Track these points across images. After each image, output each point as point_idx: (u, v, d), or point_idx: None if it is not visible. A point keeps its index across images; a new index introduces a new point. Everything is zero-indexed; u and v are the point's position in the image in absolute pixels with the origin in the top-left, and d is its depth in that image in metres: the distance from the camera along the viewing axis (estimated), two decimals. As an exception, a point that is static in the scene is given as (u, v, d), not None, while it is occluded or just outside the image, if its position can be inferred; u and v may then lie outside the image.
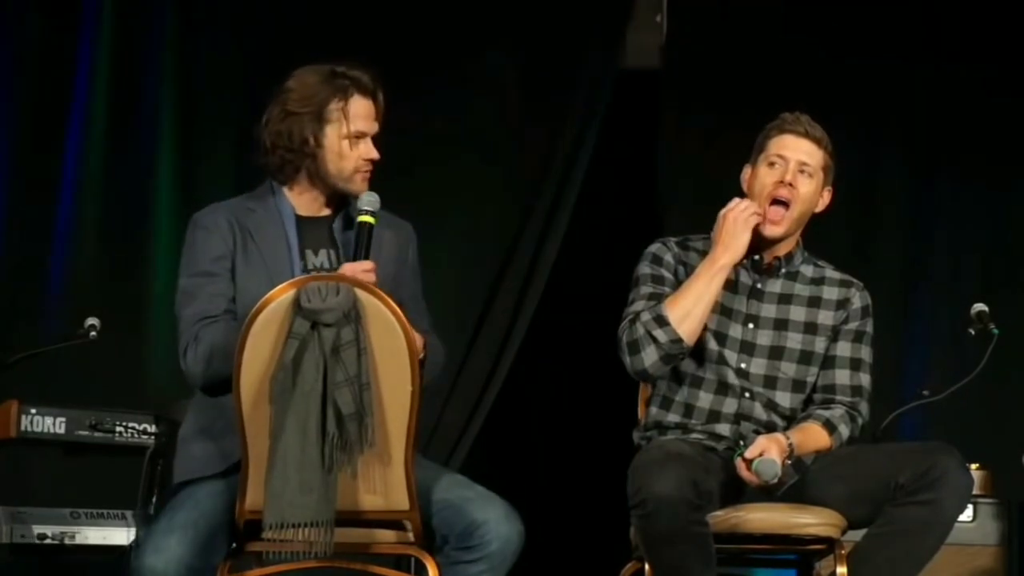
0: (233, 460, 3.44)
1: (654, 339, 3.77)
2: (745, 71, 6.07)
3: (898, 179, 6.12)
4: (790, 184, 3.84)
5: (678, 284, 3.89)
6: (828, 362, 3.91)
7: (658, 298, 3.84)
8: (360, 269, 3.47)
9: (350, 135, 3.60)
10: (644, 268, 3.95)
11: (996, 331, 5.00)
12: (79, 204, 5.84)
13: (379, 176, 5.89)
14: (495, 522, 3.38)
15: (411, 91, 5.95)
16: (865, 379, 3.92)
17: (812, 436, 3.80)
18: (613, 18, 6.09)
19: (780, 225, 3.87)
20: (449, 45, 6.04)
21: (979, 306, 5.08)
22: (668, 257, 3.95)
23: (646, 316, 3.79)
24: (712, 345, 3.87)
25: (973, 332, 5.06)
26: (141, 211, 5.93)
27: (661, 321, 3.76)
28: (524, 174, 6.04)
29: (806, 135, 3.87)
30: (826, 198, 3.94)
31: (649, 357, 3.78)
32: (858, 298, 3.97)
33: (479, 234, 5.99)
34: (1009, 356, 5.32)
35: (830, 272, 4.00)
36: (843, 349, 3.92)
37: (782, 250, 3.95)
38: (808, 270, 3.98)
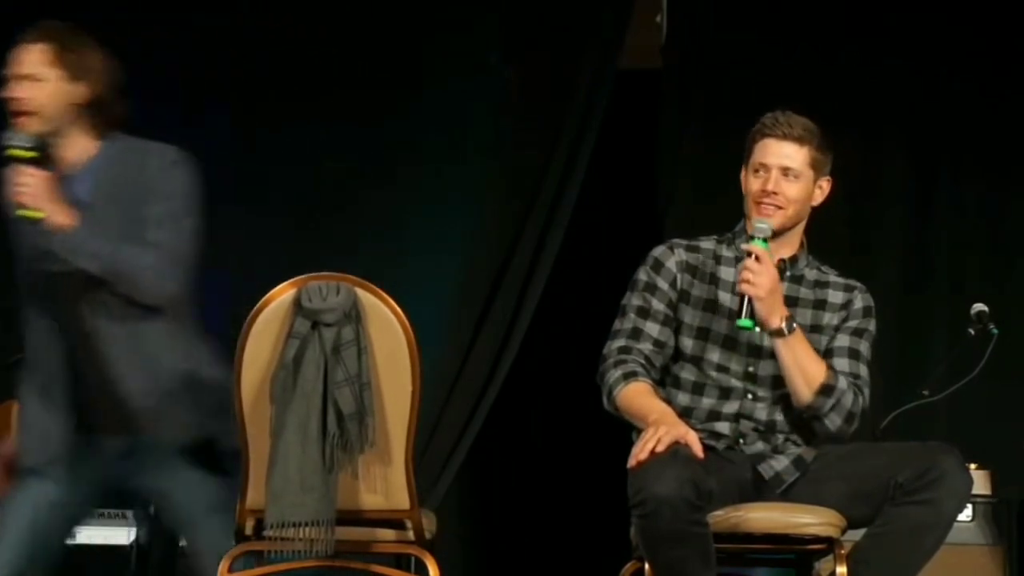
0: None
1: (609, 395, 3.84)
2: (745, 71, 6.06)
3: (898, 179, 6.10)
4: (774, 192, 3.84)
5: (675, 293, 3.89)
6: (827, 353, 3.88)
7: (638, 334, 3.85)
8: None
9: None
10: (641, 274, 3.94)
11: (996, 331, 5.01)
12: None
13: (379, 176, 5.89)
14: None
15: (411, 91, 5.96)
16: (863, 370, 3.89)
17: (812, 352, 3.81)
18: (613, 18, 6.08)
19: (771, 217, 3.86)
20: (449, 46, 6.03)
21: (979, 306, 5.09)
22: (670, 263, 3.92)
23: (613, 374, 3.83)
24: (716, 355, 3.87)
25: (973, 332, 5.07)
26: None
27: (614, 386, 3.81)
28: (524, 174, 6.04)
29: (785, 137, 3.84)
30: (825, 188, 3.92)
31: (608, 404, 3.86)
32: (860, 299, 3.96)
33: (479, 234, 5.98)
34: (1009, 356, 5.32)
35: (834, 277, 3.99)
36: (842, 340, 3.90)
37: (787, 252, 3.94)
38: (812, 274, 3.97)
